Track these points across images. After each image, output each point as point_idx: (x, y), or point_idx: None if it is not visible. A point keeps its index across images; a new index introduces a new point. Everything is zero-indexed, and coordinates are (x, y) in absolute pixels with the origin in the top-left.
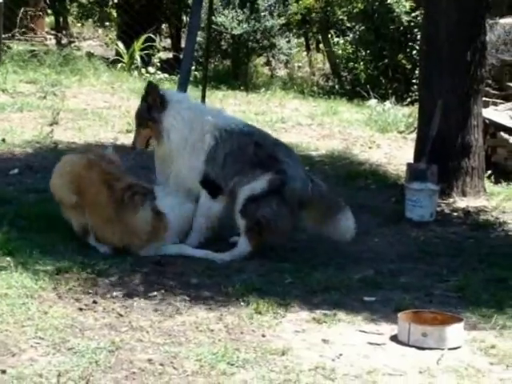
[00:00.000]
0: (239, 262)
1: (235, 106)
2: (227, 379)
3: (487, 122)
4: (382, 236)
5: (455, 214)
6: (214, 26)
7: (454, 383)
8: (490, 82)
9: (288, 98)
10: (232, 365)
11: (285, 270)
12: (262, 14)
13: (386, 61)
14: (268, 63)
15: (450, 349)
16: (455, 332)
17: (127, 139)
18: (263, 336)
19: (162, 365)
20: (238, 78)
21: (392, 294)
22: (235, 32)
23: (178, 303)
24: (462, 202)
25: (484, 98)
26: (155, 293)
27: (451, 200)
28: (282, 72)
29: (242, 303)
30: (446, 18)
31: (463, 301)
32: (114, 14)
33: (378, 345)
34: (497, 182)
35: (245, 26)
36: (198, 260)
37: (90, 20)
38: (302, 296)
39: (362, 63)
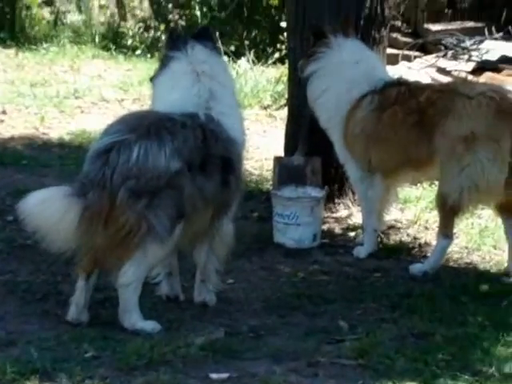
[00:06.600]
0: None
1: None
2: None
3: None
4: (238, 274)
5: (351, 233)
6: None
7: None
8: (398, 23)
9: (84, 58)
10: None
11: (85, 337)
12: None
13: None
14: (49, 2)
15: None
16: None
17: None
18: None
19: None
20: (1, 26)
21: (256, 366)
22: None
23: None
24: (360, 215)
25: (390, 50)
26: None
27: (344, 212)
28: (73, 17)
29: None
30: None
31: (366, 371)
32: None
33: None
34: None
35: None
36: None
37: None
38: (111, 377)
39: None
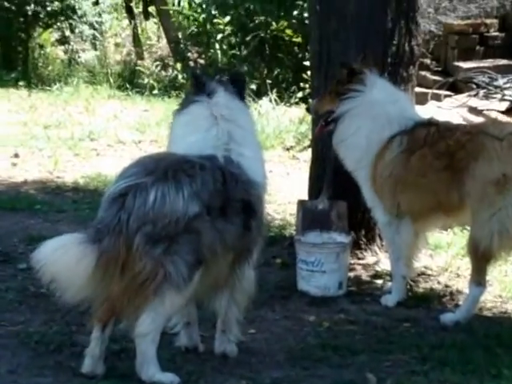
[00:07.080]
0: None
1: (10, 113)
2: None
3: None
4: (260, 324)
5: (379, 281)
6: None
7: None
8: (427, 61)
9: (99, 98)
10: None
11: None
12: None
13: (260, 32)
14: (64, 40)
15: None
16: None
17: None
18: None
19: None
20: (14, 66)
21: None
22: None
23: None
24: (388, 261)
25: (419, 89)
26: None
27: (371, 258)
28: (87, 55)
29: None
30: None
31: None
32: None
33: None
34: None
35: None
36: None
37: None
38: None
39: (220, 36)
